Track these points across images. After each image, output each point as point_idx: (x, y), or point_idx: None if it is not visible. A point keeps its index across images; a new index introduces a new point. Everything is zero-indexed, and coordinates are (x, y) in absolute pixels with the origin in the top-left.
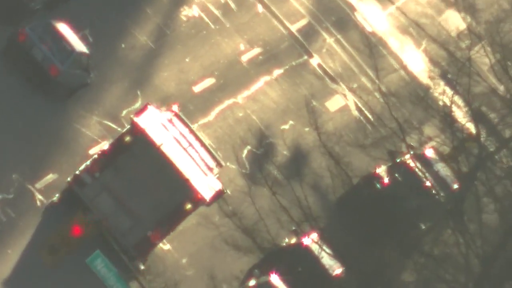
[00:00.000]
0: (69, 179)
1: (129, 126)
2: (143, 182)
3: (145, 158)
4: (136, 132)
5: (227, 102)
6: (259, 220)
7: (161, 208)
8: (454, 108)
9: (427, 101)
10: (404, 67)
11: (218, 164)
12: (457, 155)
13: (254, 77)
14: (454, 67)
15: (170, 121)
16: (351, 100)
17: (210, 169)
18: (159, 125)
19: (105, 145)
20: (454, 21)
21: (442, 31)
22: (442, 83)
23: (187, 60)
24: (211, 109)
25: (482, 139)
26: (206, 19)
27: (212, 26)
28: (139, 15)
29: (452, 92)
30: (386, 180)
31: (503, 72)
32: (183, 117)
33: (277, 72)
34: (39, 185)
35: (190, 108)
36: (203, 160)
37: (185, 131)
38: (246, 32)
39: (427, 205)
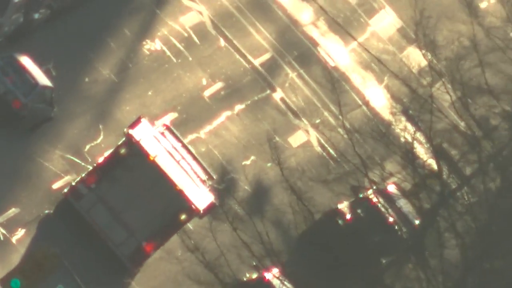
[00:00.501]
0: (65, 190)
1: (124, 139)
2: (138, 193)
3: (139, 170)
4: (131, 144)
5: (190, 137)
6: (221, 255)
7: (156, 219)
8: (415, 144)
9: (389, 137)
10: (367, 103)
11: (210, 177)
12: (419, 191)
13: (216, 112)
14: (415, 103)
15: (163, 134)
16: (314, 136)
17: (203, 182)
18: (152, 138)
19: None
20: (415, 57)
21: (403, 68)
22: (404, 119)
23: (149, 94)
24: None
25: (443, 175)
26: (169, 53)
27: (175, 60)
28: (102, 49)
29: (413, 129)
30: (348, 215)
31: (464, 109)
32: (175, 131)
33: (239, 107)
34: (1, 219)
35: None
36: (195, 172)
37: (177, 144)
38: (209, 66)
39: (389, 241)
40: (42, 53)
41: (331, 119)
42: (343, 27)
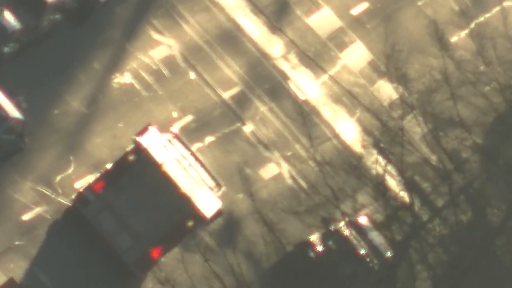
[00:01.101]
0: (73, 197)
1: (132, 146)
2: (145, 200)
3: (147, 177)
4: (139, 151)
5: None
6: (192, 287)
7: (163, 226)
8: (387, 177)
9: (361, 169)
10: (338, 136)
11: (218, 185)
12: (390, 223)
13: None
14: (387, 136)
15: (171, 142)
16: (285, 168)
17: (210, 189)
18: (160, 145)
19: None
20: (386, 91)
21: (374, 101)
22: (375, 152)
23: (119, 126)
24: None
25: (415, 207)
26: (138, 86)
27: (145, 93)
28: (73, 82)
29: (385, 161)
30: (319, 247)
31: (435, 142)
32: (183, 139)
33: (209, 139)
34: None
35: None
36: (203, 180)
37: (185, 152)
38: (179, 100)
39: (361, 273)
40: (12, 86)
41: (302, 152)
42: (314, 60)
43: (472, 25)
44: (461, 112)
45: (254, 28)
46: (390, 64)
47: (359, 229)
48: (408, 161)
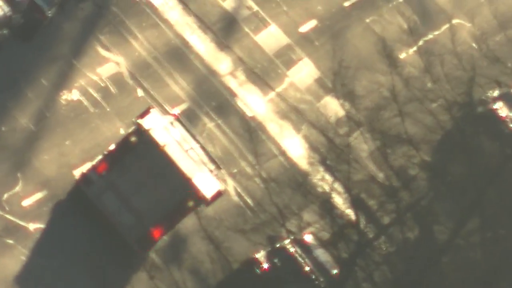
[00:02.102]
0: (76, 177)
1: (134, 127)
2: (147, 181)
3: (149, 158)
4: (141, 133)
5: None
6: None
7: (164, 206)
8: (333, 194)
9: (307, 187)
10: (284, 153)
11: (217, 167)
12: (336, 241)
13: None
14: (333, 153)
15: (172, 124)
16: (231, 185)
17: (210, 171)
18: (161, 127)
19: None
20: (333, 107)
21: (321, 117)
22: (321, 169)
23: (67, 143)
24: None
25: (361, 225)
26: (86, 103)
27: (92, 110)
28: (20, 98)
29: (331, 179)
30: (265, 265)
31: (382, 159)
32: (184, 121)
33: None
34: None
35: None
36: (203, 162)
37: (186, 134)
38: (126, 116)
39: None
40: None
41: (248, 169)
42: (261, 77)
43: (421, 42)
44: (408, 129)
45: (202, 45)
46: (337, 80)
47: (305, 247)
48: (355, 178)
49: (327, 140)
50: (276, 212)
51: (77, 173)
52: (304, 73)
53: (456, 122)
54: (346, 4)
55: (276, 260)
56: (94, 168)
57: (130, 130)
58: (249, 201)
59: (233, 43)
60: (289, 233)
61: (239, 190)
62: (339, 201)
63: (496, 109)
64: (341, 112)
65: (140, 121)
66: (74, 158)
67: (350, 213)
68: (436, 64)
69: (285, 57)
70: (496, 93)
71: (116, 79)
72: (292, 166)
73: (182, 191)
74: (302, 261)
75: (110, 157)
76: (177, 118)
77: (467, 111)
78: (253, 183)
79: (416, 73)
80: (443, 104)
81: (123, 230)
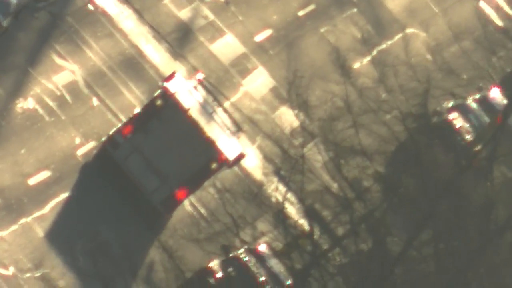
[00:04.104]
0: (103, 139)
1: (159, 91)
2: (172, 144)
3: (173, 121)
4: (166, 96)
5: (62, 196)
6: None
7: (187, 168)
8: (287, 204)
9: (261, 197)
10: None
11: (240, 129)
12: (290, 251)
13: None
14: (287, 164)
15: (196, 88)
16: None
17: (233, 133)
18: (186, 91)
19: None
20: (288, 118)
21: (275, 128)
22: (275, 179)
23: (22, 152)
24: (46, 202)
25: (315, 236)
26: (41, 112)
27: (47, 119)
28: None
29: (285, 189)
30: (219, 274)
31: (336, 170)
32: (207, 85)
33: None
34: None
35: (25, 201)
36: (225, 125)
37: (209, 98)
38: (82, 125)
39: None
40: None
41: None
42: (216, 87)
43: (374, 52)
44: (362, 140)
45: (157, 55)
46: (292, 90)
47: (259, 257)
48: (309, 189)
49: (282, 151)
50: (230, 222)
51: (32, 182)
52: (259, 82)
53: (410, 133)
54: (301, 13)
55: (229, 270)
56: (120, 131)
57: (155, 93)
58: (203, 211)
59: (187, 53)
60: (243, 243)
61: (192, 200)
62: (293, 211)
63: (451, 120)
64: (295, 123)
65: (165, 84)
66: (29, 167)
67: (304, 223)
68: (390, 75)
69: (241, 67)
70: (450, 104)
71: (72, 87)
72: (246, 176)
73: (206, 153)
74: (256, 271)
75: (135, 120)
76: (201, 82)
77: (422, 123)
78: (207, 193)
79: (370, 84)
80: (397, 115)
81: (148, 192)
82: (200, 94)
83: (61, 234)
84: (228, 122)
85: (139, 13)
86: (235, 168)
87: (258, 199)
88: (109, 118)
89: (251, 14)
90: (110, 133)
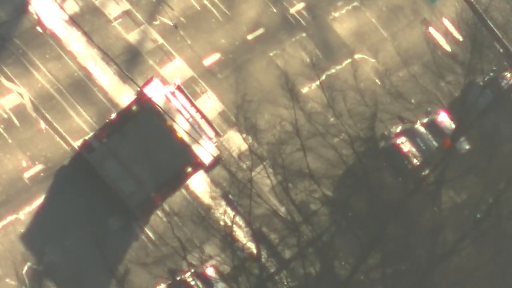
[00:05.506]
0: (78, 144)
1: (135, 96)
2: (148, 148)
3: (150, 126)
4: (143, 101)
5: (9, 218)
6: None
7: (164, 172)
8: (235, 228)
9: (209, 220)
10: (187, 187)
11: (217, 134)
12: (237, 275)
13: (36, 194)
14: (235, 187)
15: (173, 93)
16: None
17: (209, 138)
18: (163, 96)
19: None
20: (236, 141)
21: (224, 151)
22: (223, 203)
23: None
24: None
25: (263, 259)
26: None
27: None
28: None
29: (233, 212)
30: None
31: (284, 194)
32: (185, 90)
33: (59, 189)
34: None
35: None
36: (202, 130)
37: (187, 103)
38: (29, 148)
39: None
40: None
41: None
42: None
43: (323, 76)
44: (311, 164)
45: (105, 78)
46: (240, 114)
47: (206, 280)
48: (257, 212)
49: (230, 174)
50: (178, 245)
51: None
52: (208, 106)
53: (358, 157)
54: (250, 37)
55: None
56: (96, 135)
57: (132, 98)
58: (151, 234)
59: (136, 76)
60: (190, 266)
61: (141, 223)
62: (241, 234)
63: (399, 144)
64: (244, 146)
65: (142, 89)
66: None
67: (252, 246)
68: (339, 99)
69: (189, 90)
70: (399, 128)
71: (19, 110)
72: (194, 199)
73: (182, 157)
74: None
75: (112, 125)
76: (179, 87)
77: (370, 146)
78: (156, 217)
79: (319, 108)
80: (345, 139)
81: (124, 196)
82: (178, 99)
83: (6, 258)
84: (205, 126)
85: (88, 36)
86: (183, 191)
87: (206, 222)
88: (57, 141)
89: (200, 37)
90: (86, 138)
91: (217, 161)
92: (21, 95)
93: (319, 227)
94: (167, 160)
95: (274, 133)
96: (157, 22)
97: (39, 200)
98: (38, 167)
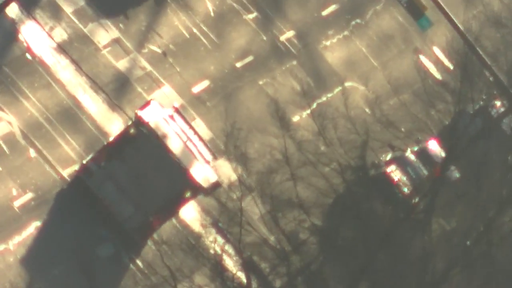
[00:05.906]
0: (76, 168)
1: (133, 119)
2: (146, 172)
3: (148, 149)
4: (140, 125)
5: None
6: None
7: (162, 196)
8: (225, 257)
9: (199, 249)
10: (176, 215)
11: (214, 157)
12: None
13: (26, 223)
14: (225, 216)
15: (171, 116)
16: (122, 247)
17: (207, 162)
18: (161, 119)
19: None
20: (225, 170)
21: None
22: (213, 231)
23: None
24: None
25: None
26: None
27: None
28: None
29: (223, 241)
30: None
31: (274, 223)
32: (183, 113)
33: (50, 216)
34: None
35: None
36: (200, 153)
37: (185, 126)
38: (19, 177)
39: None
40: None
41: None
42: None
43: (314, 105)
44: (300, 193)
45: (94, 106)
46: (229, 143)
47: None
48: (247, 241)
49: (220, 203)
50: (167, 274)
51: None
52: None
53: (348, 185)
54: (239, 65)
55: None
56: (94, 159)
57: (130, 121)
58: (139, 263)
59: (125, 104)
60: None
61: (129, 252)
62: (231, 263)
63: (389, 172)
64: (233, 176)
65: (140, 113)
66: None
67: (242, 275)
68: (329, 128)
69: None
70: (389, 156)
71: (8, 139)
72: (184, 228)
73: (180, 181)
74: None
75: (110, 149)
76: (177, 110)
77: (360, 175)
78: (145, 245)
79: (310, 136)
80: (336, 168)
81: (122, 219)
82: (176, 122)
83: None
84: (204, 150)
85: (77, 64)
86: (173, 220)
87: (196, 251)
88: (47, 169)
89: (189, 65)
90: (84, 161)
91: (216, 184)
92: (10, 123)
93: (308, 256)
94: (165, 183)
95: (263, 162)
96: (145, 50)
97: (29, 229)
98: (29, 195)
